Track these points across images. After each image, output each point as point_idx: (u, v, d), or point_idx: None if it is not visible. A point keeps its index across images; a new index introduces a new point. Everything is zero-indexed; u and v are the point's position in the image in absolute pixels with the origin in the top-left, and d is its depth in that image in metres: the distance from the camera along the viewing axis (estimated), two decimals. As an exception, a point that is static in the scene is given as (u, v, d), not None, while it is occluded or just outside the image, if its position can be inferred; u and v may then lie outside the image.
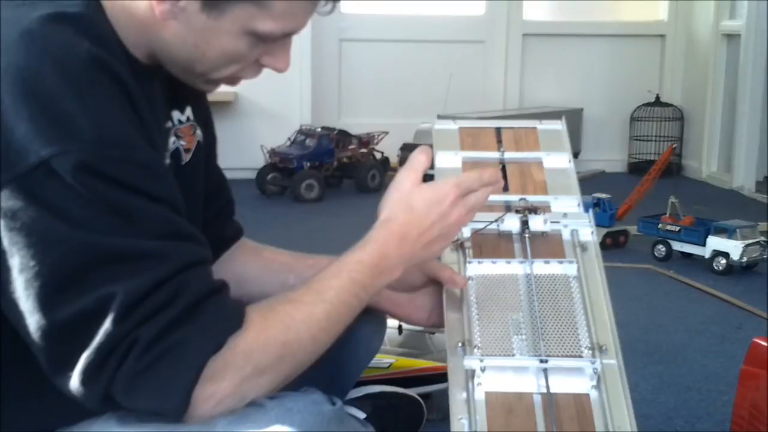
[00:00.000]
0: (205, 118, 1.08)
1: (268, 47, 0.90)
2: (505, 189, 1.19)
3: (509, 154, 1.24)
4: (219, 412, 0.80)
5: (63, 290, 0.77)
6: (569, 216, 1.13)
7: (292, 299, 0.88)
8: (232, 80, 0.94)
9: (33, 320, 0.77)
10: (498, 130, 1.28)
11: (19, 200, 0.76)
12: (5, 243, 0.77)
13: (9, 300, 0.78)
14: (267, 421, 0.81)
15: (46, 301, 0.76)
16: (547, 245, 1.10)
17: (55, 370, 0.79)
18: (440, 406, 1.67)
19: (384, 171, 4.36)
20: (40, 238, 0.76)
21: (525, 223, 1.12)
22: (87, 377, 0.77)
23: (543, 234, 1.11)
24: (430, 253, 1.00)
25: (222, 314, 0.82)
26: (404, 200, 0.98)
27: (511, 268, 1.07)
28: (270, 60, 0.92)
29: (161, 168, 0.85)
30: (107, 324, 0.76)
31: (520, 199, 1.16)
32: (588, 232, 1.12)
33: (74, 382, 0.78)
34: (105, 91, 0.80)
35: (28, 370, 0.83)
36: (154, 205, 0.81)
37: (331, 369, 1.09)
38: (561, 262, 1.06)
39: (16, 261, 0.77)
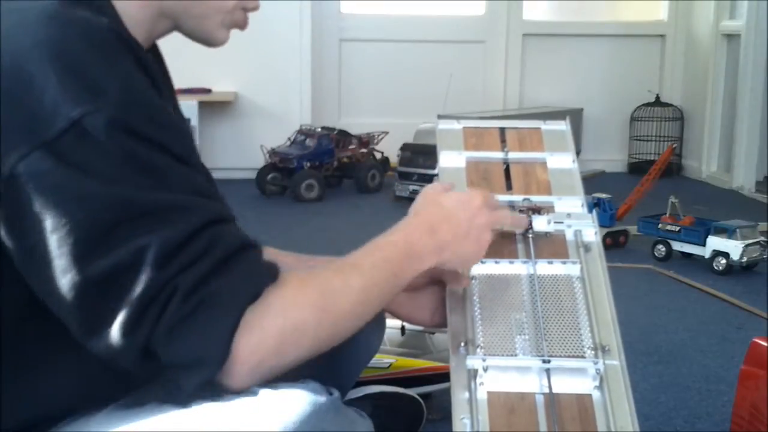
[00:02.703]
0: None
1: None
2: (509, 189, 1.19)
3: (513, 155, 1.24)
4: (260, 374, 0.80)
5: (96, 245, 0.76)
6: (573, 216, 1.13)
7: (328, 268, 0.89)
8: (243, 17, 0.98)
9: (66, 280, 0.76)
10: (502, 130, 1.28)
11: (49, 162, 0.76)
12: (36, 206, 0.76)
13: (39, 265, 0.77)
14: (263, 410, 0.80)
15: (80, 258, 0.76)
16: (551, 245, 1.09)
17: (89, 330, 0.78)
18: (440, 406, 1.67)
19: (384, 171, 4.36)
20: (71, 196, 0.76)
21: (528, 224, 1.11)
22: (128, 329, 0.76)
23: (546, 234, 1.11)
24: (463, 254, 1.00)
25: (257, 267, 0.82)
26: (433, 199, 1.02)
27: (515, 268, 1.06)
28: None
29: (185, 131, 0.87)
30: (145, 274, 0.76)
31: (524, 200, 1.16)
32: (591, 232, 1.12)
33: (113, 337, 0.77)
34: (127, 58, 0.82)
35: (21, 361, 0.83)
36: (180, 164, 0.82)
37: (331, 369, 1.08)
38: (564, 263, 1.06)
39: (48, 222, 0.76)
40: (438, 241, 0.97)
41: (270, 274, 0.83)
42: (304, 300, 0.83)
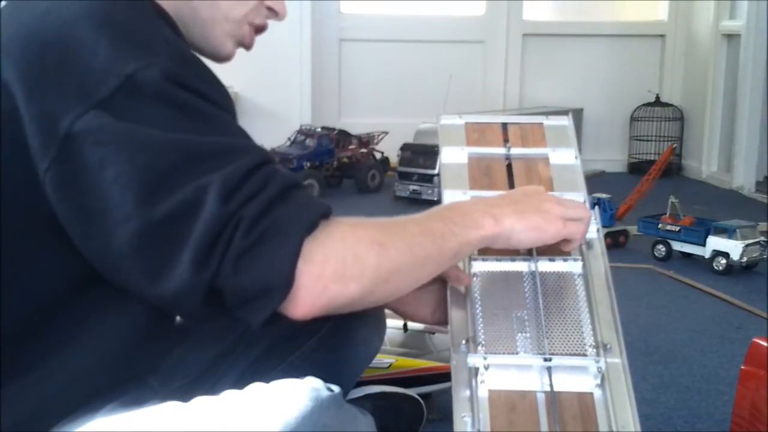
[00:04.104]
0: None
1: None
2: (511, 186, 1.18)
3: (515, 150, 1.23)
4: (324, 303, 0.81)
5: (159, 189, 0.77)
6: (575, 213, 1.13)
7: (381, 219, 0.89)
8: (250, 33, 1.00)
9: (130, 226, 0.77)
10: (504, 125, 1.28)
11: (107, 118, 0.77)
12: (96, 159, 0.77)
13: (97, 221, 0.78)
14: (264, 405, 0.80)
15: (143, 202, 0.77)
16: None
17: (155, 273, 0.78)
18: (440, 406, 1.67)
19: (384, 171, 4.36)
20: (131, 146, 0.77)
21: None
22: (196, 264, 0.76)
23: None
24: (529, 224, 0.97)
25: (311, 200, 0.84)
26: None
27: (516, 265, 1.06)
28: (271, 2, 1.00)
29: (226, 89, 0.89)
30: (210, 210, 0.77)
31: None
32: (593, 229, 1.11)
33: (181, 275, 0.77)
34: (167, 27, 0.85)
35: (21, 361, 0.82)
36: (229, 116, 0.85)
37: (331, 369, 1.08)
38: (566, 260, 1.06)
39: (108, 173, 0.77)
40: (495, 209, 0.96)
41: (325, 207, 0.84)
42: (363, 233, 0.85)
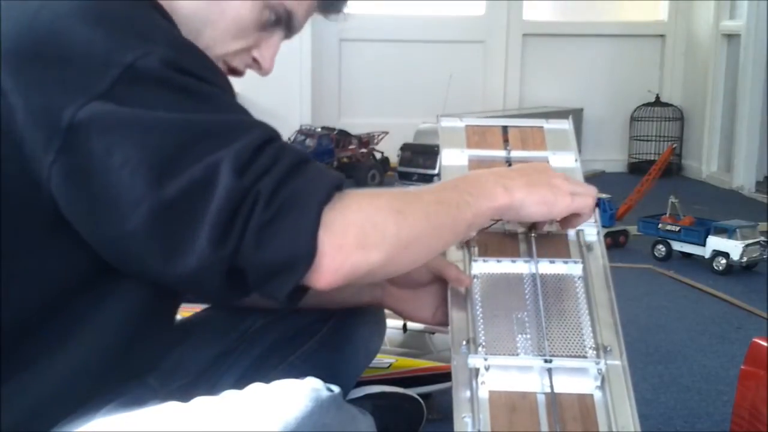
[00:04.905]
0: None
1: (263, 38, 0.96)
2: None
3: (516, 153, 1.24)
4: (347, 272, 0.80)
5: (169, 168, 0.76)
6: (574, 216, 1.13)
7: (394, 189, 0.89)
8: (227, 70, 0.97)
9: (143, 209, 0.76)
10: (504, 128, 1.28)
11: (110, 106, 0.76)
12: (102, 146, 0.76)
13: (107, 209, 0.77)
14: (264, 405, 0.80)
15: (154, 183, 0.76)
16: (553, 245, 1.09)
17: (173, 253, 0.77)
18: (440, 406, 1.67)
19: (384, 171, 4.36)
20: (138, 129, 0.76)
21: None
22: (216, 240, 0.76)
23: (548, 233, 1.11)
24: (540, 198, 0.97)
25: (325, 171, 0.83)
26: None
27: (516, 267, 1.06)
28: (258, 53, 0.97)
29: (225, 76, 0.89)
30: (224, 185, 0.76)
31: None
32: (593, 231, 1.12)
33: (201, 253, 0.76)
34: (164, 20, 0.85)
35: (22, 361, 0.82)
36: (233, 99, 0.84)
37: (331, 369, 1.08)
38: (566, 262, 1.06)
39: (117, 159, 0.76)
40: (506, 180, 0.96)
41: (338, 179, 0.83)
42: (380, 201, 0.84)
